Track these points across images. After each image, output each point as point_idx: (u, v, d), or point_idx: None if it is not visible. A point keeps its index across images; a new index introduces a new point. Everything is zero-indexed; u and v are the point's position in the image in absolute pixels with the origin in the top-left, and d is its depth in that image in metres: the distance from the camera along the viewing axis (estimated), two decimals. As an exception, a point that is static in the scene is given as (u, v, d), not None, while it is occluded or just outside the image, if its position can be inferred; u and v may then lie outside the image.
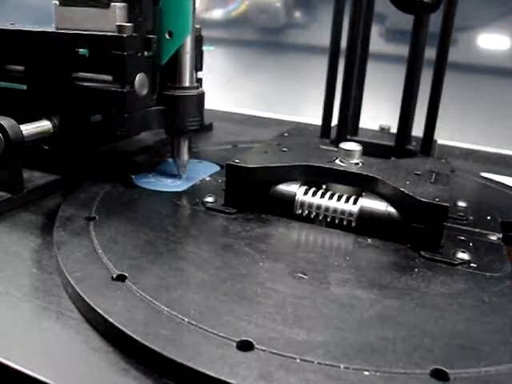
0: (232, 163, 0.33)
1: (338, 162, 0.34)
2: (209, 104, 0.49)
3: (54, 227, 0.30)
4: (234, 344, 0.21)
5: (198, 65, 0.42)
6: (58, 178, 0.37)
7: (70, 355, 0.21)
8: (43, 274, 0.27)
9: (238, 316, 0.22)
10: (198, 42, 0.42)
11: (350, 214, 0.32)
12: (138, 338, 0.21)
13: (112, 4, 0.34)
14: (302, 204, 0.33)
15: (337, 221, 0.32)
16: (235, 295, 0.24)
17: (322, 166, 0.33)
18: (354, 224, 0.32)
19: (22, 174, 0.34)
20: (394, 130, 0.45)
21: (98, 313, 0.22)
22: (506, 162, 0.55)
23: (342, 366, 0.20)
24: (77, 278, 0.25)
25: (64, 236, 0.29)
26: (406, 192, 0.30)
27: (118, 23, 0.33)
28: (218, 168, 0.42)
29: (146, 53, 0.35)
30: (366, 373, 0.19)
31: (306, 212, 0.33)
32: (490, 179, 0.44)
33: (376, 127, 0.50)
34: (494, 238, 0.32)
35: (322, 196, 0.33)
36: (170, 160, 0.43)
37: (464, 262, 0.28)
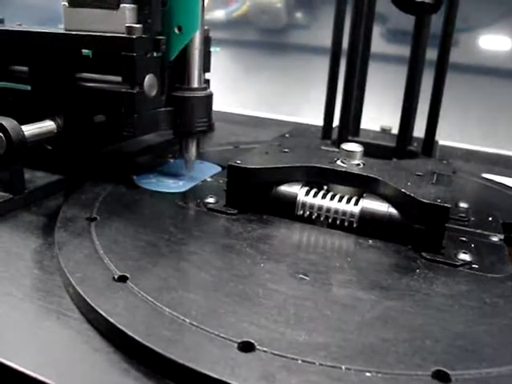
0: (233, 164, 0.33)
1: (339, 162, 0.34)
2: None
3: (56, 228, 0.30)
4: (236, 345, 0.21)
5: (205, 66, 0.42)
6: (59, 178, 0.37)
7: (70, 356, 0.21)
8: (44, 274, 0.27)
9: (240, 317, 0.22)
10: (206, 42, 0.43)
11: (352, 215, 0.32)
12: (139, 339, 0.21)
13: (121, 5, 0.35)
14: (304, 205, 0.33)
15: (338, 222, 0.32)
16: (237, 296, 0.24)
17: (323, 167, 0.33)
18: (355, 225, 0.31)
19: (24, 175, 0.34)
20: (395, 130, 0.45)
21: (100, 313, 0.22)
22: (507, 163, 0.55)
23: (343, 367, 0.20)
24: (78, 279, 0.25)
25: (65, 237, 0.29)
26: (408, 193, 0.30)
27: (127, 24, 0.34)
28: (219, 169, 0.42)
29: (155, 54, 0.35)
30: (368, 374, 0.19)
31: (308, 213, 0.32)
32: (491, 180, 0.44)
33: (377, 128, 0.50)
34: (495, 239, 0.32)
35: (324, 197, 0.32)
36: (172, 161, 0.43)
37: (466, 263, 0.28)
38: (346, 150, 0.34)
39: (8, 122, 0.32)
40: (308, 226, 0.32)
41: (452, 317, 0.23)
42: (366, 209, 0.31)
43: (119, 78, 0.35)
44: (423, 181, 0.32)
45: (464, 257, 0.29)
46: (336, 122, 0.45)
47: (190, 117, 0.37)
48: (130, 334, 0.21)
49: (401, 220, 0.30)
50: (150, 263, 0.26)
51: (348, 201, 0.32)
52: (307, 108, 0.70)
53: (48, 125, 0.36)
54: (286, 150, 0.37)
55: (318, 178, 0.34)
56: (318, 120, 0.47)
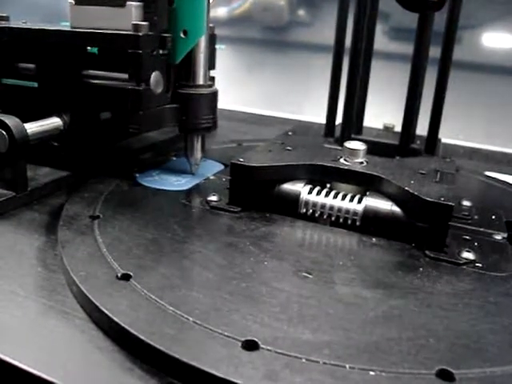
0: (236, 162, 0.33)
1: (342, 160, 0.34)
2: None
3: (59, 226, 0.30)
4: (239, 344, 0.21)
5: (210, 63, 0.42)
6: (63, 176, 0.37)
7: (74, 354, 0.21)
8: (48, 272, 0.27)
9: (243, 315, 0.22)
10: (212, 40, 0.43)
11: (355, 213, 0.32)
12: (142, 338, 0.21)
13: (128, 3, 0.35)
14: (307, 203, 0.32)
15: (341, 220, 0.32)
16: (240, 294, 0.24)
17: (326, 165, 0.33)
18: (358, 223, 0.31)
19: (27, 173, 0.34)
20: (398, 128, 0.45)
21: (103, 312, 0.22)
22: (510, 161, 0.55)
23: (347, 365, 0.20)
24: (81, 277, 0.25)
25: (68, 235, 0.29)
26: (411, 191, 0.30)
27: (133, 22, 0.34)
28: (222, 167, 0.42)
29: (161, 51, 0.35)
30: (372, 373, 0.19)
31: (311, 211, 0.32)
32: (494, 178, 0.44)
33: (380, 126, 0.50)
34: (499, 237, 0.32)
35: (327, 195, 0.32)
36: (175, 159, 0.43)
37: (469, 262, 0.28)
38: (349, 148, 0.34)
39: (11, 120, 0.32)
40: (311, 224, 0.32)
41: (456, 315, 0.23)
42: (369, 207, 0.31)
43: (125, 75, 0.35)
44: (426, 179, 0.32)
45: (467, 255, 0.29)
46: (339, 120, 0.45)
47: (195, 114, 0.37)
48: (133, 332, 0.21)
49: (404, 218, 0.30)
50: (154, 261, 0.27)
51: (351, 199, 0.32)
52: (310, 106, 0.70)
53: (54, 122, 0.37)
54: (289, 148, 0.37)
55: (321, 176, 0.34)
56: (321, 118, 0.47)
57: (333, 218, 0.32)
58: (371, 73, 0.46)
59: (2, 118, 0.32)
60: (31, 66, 0.39)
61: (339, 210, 0.32)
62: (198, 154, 0.39)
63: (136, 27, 0.33)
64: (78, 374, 0.20)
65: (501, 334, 0.22)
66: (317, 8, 0.81)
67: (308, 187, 0.33)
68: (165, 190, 0.36)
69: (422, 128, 0.44)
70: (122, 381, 0.20)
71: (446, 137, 0.48)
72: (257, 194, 0.33)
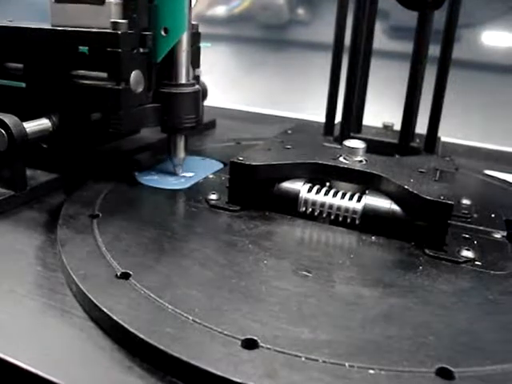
0: (236, 161, 0.33)
1: (341, 159, 0.34)
2: (211, 101, 0.49)
3: (58, 225, 0.30)
4: (239, 342, 0.21)
5: (195, 62, 0.42)
6: (59, 176, 0.37)
7: (74, 353, 0.21)
8: (47, 271, 0.27)
9: (243, 314, 0.22)
10: (195, 38, 0.42)
11: (354, 212, 0.32)
12: (142, 336, 0.21)
13: (107, 1, 0.34)
14: (306, 201, 0.32)
15: (341, 218, 0.32)
16: (240, 293, 0.24)
17: (325, 164, 0.33)
18: (357, 222, 0.31)
19: (26, 172, 0.34)
20: (397, 127, 0.45)
21: (103, 311, 0.22)
22: (509, 160, 0.55)
23: (347, 364, 0.20)
24: (81, 276, 0.25)
25: (68, 234, 0.29)
26: (411, 190, 0.30)
27: (112, 20, 0.33)
28: (221, 165, 0.42)
29: (141, 50, 0.35)
30: (371, 371, 0.19)
31: (310, 210, 0.32)
32: (493, 177, 0.44)
33: (379, 125, 0.50)
34: (498, 235, 0.32)
35: (326, 193, 0.32)
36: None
37: (468, 260, 0.28)
38: (349, 147, 0.34)
39: (9, 119, 0.32)
40: (310, 223, 0.32)
41: (455, 314, 0.23)
42: (368, 205, 0.31)
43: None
44: (426, 177, 0.32)
45: (467, 254, 0.29)
46: (338, 119, 0.45)
47: (177, 113, 0.37)
48: (133, 331, 0.21)
49: (404, 217, 0.30)
50: (153, 260, 0.26)
51: (350, 197, 0.32)
52: (309, 104, 0.70)
53: (44, 123, 0.36)
54: (289, 147, 0.37)
55: (321, 175, 0.34)
56: (320, 116, 0.47)
57: (332, 217, 0.32)
58: (370, 71, 0.46)
59: (0, 117, 0.32)
60: (18, 65, 0.38)
61: (338, 208, 0.32)
62: (182, 153, 0.39)
63: (115, 25, 0.33)
64: (77, 372, 0.20)
65: (500, 332, 0.22)
66: (316, 7, 0.81)
67: (307, 186, 0.33)
68: (164, 189, 0.36)
69: (421, 126, 0.44)
70: (121, 379, 0.20)
71: (445, 135, 0.48)
72: (256, 192, 0.33)
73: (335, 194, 0.32)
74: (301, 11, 0.83)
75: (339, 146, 0.37)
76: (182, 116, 0.37)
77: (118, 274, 0.25)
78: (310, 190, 0.33)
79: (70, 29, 0.35)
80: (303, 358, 0.20)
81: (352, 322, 0.22)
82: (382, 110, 0.54)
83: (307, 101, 0.70)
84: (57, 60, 0.36)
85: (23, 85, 0.37)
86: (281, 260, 0.27)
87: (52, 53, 0.36)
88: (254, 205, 0.33)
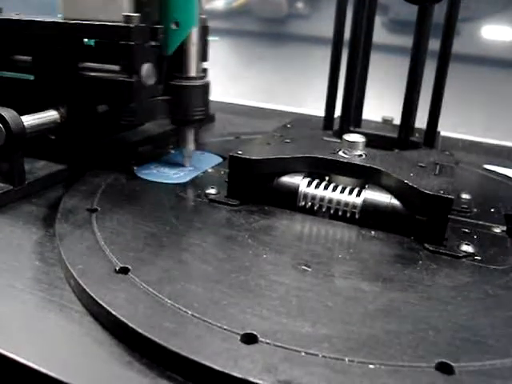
0: (235, 155, 0.33)
1: (341, 153, 0.34)
2: (211, 95, 0.49)
3: (56, 219, 0.30)
4: (239, 337, 0.20)
5: (203, 55, 0.42)
6: (60, 169, 0.37)
7: (73, 348, 0.21)
8: (46, 266, 0.27)
9: (242, 309, 0.22)
10: (204, 32, 0.42)
11: (354, 206, 0.31)
12: (141, 331, 0.20)
13: None
14: (306, 196, 0.32)
15: (340, 213, 0.32)
16: (239, 288, 0.24)
17: (325, 158, 0.33)
18: (357, 216, 0.31)
19: (24, 166, 0.34)
20: (397, 121, 0.45)
21: (101, 305, 0.22)
22: (509, 154, 0.54)
23: (346, 359, 0.20)
24: (79, 271, 0.25)
25: (66, 228, 0.29)
26: (410, 184, 0.30)
27: (124, 13, 0.33)
28: (220, 159, 0.42)
29: (152, 43, 0.35)
30: (371, 366, 0.19)
31: (310, 204, 0.32)
32: (493, 171, 0.44)
33: (379, 119, 0.50)
34: (498, 230, 0.32)
35: (326, 188, 0.32)
36: (173, 151, 0.43)
37: (468, 255, 0.28)
38: (348, 141, 0.34)
39: (7, 113, 0.32)
40: (310, 217, 0.32)
41: (455, 308, 0.23)
42: (368, 200, 0.31)
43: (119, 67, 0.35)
44: (426, 172, 0.32)
45: (467, 248, 0.29)
46: (338, 113, 0.45)
47: (187, 105, 0.37)
48: (131, 326, 0.21)
49: (403, 211, 0.30)
50: (152, 255, 0.26)
51: (350, 192, 0.32)
52: (309, 98, 0.70)
53: (51, 115, 0.36)
54: (288, 141, 0.36)
55: (320, 169, 0.33)
56: (320, 111, 0.47)
57: (331, 211, 0.32)
58: (370, 65, 0.45)
59: (-2, 111, 0.32)
60: (27, 58, 0.38)
61: (338, 202, 0.32)
62: (191, 145, 0.39)
63: (127, 19, 0.33)
64: (75, 367, 0.20)
65: (500, 326, 0.22)
66: (315, 0, 0.81)
67: (307, 180, 0.33)
68: (163, 183, 0.36)
69: (421, 121, 0.44)
70: (120, 374, 0.20)
71: (444, 130, 0.48)
72: (255, 186, 0.33)
73: (335, 189, 0.32)
74: (300, 5, 0.83)
75: (339, 141, 0.37)
76: (192, 108, 0.37)
77: (117, 268, 0.25)
78: (309, 185, 0.33)
79: (81, 22, 0.35)
80: (303, 353, 0.20)
81: (352, 316, 0.22)
82: (382, 104, 0.54)
83: (307, 95, 0.70)
84: (68, 53, 0.36)
85: (32, 77, 0.37)
86: (280, 254, 0.27)
87: (64, 46, 0.36)
88: (254, 199, 0.33)
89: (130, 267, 0.25)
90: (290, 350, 0.20)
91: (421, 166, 0.33)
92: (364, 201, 0.31)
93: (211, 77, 0.43)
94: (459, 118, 0.62)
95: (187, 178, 0.37)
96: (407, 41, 0.41)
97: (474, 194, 0.37)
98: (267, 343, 0.20)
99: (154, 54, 0.35)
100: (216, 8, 0.84)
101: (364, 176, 0.32)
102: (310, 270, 0.26)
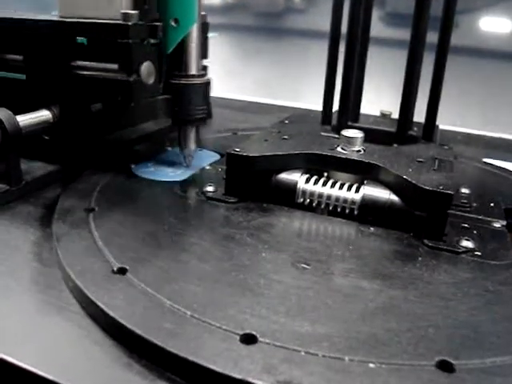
0: (232, 152, 0.32)
1: (339, 149, 0.34)
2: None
3: (53, 219, 0.30)
4: (238, 337, 0.20)
5: (203, 52, 0.41)
6: (57, 168, 0.37)
7: (71, 350, 0.21)
8: (43, 267, 0.26)
9: (241, 308, 0.22)
10: (204, 28, 0.42)
11: (353, 202, 0.31)
12: (139, 332, 0.20)
13: None
14: (304, 192, 0.32)
15: (339, 209, 0.32)
16: (238, 287, 0.24)
17: (323, 154, 0.33)
18: (356, 212, 0.31)
19: (20, 166, 0.34)
20: (395, 115, 0.45)
21: (99, 307, 0.22)
22: (508, 147, 0.54)
23: (346, 358, 0.20)
24: (77, 272, 0.24)
25: (63, 228, 0.28)
26: (409, 180, 0.29)
27: (122, 11, 0.33)
28: (217, 156, 0.41)
29: (152, 41, 0.35)
30: (371, 365, 0.19)
31: (308, 200, 0.32)
32: (492, 165, 0.44)
33: (377, 113, 0.50)
34: (497, 225, 0.32)
35: (324, 184, 0.32)
36: (170, 149, 0.42)
37: (468, 251, 0.28)
38: (347, 137, 0.34)
39: (2, 112, 0.32)
40: (308, 214, 0.32)
41: (455, 305, 0.23)
42: (366, 196, 0.31)
43: (116, 66, 0.34)
44: (425, 167, 0.32)
45: (466, 244, 0.29)
46: (336, 107, 0.45)
47: (188, 104, 0.37)
48: (130, 327, 0.21)
49: (402, 207, 0.30)
50: (150, 254, 0.26)
51: (349, 188, 0.32)
52: (307, 93, 0.70)
53: (44, 114, 0.36)
54: (286, 137, 0.36)
55: (318, 165, 0.33)
56: (318, 105, 0.47)
57: (330, 208, 0.32)
58: (368, 59, 0.45)
59: (-7, 111, 0.32)
60: (18, 57, 0.38)
61: (337, 199, 0.32)
62: (192, 145, 0.39)
63: (125, 16, 0.33)
64: (74, 369, 0.20)
65: (500, 323, 0.22)
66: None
67: (305, 177, 0.33)
68: (160, 181, 0.36)
69: (419, 115, 0.44)
70: (119, 376, 0.20)
71: (443, 123, 0.48)
72: (253, 184, 0.33)
73: (333, 185, 0.32)
74: (297, -2, 0.82)
75: (337, 136, 0.37)
76: (193, 107, 0.37)
77: (115, 269, 0.25)
78: (307, 181, 0.32)
79: (77, 20, 0.34)
80: (302, 353, 0.20)
81: (351, 314, 0.22)
82: (380, 97, 0.54)
83: (305, 89, 0.70)
84: (64, 52, 0.36)
85: (23, 77, 0.37)
86: (279, 253, 0.27)
87: (59, 45, 0.36)
88: (252, 196, 0.33)
89: (127, 267, 0.25)
90: (289, 350, 0.20)
91: (419, 161, 0.33)
92: (363, 197, 0.31)
93: (208, 72, 0.42)
94: (457, 110, 0.62)
95: (184, 176, 0.37)
96: (405, 34, 0.41)
97: (474, 189, 0.37)
98: (267, 343, 0.20)
99: (153, 52, 0.35)
100: (213, 2, 0.84)
101: (362, 172, 0.32)
102: (309, 267, 0.26)
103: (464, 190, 0.36)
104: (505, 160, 0.45)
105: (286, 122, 0.43)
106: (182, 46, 0.36)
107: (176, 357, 0.19)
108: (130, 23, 0.33)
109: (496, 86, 0.69)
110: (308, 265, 0.26)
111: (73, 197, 0.32)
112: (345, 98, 0.43)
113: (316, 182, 0.32)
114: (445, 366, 0.19)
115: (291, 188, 0.32)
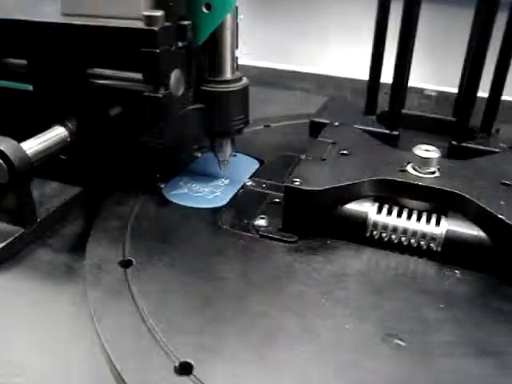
0: (291, 185, 0.27)
1: (410, 169, 0.29)
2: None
3: (86, 281, 0.25)
4: None
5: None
6: (75, 193, 0.32)
7: None
8: (89, 357, 0.22)
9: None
10: (235, 14, 0.35)
11: (432, 238, 0.27)
12: None
13: None
14: (375, 225, 0.27)
15: (415, 244, 0.27)
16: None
17: (398, 181, 0.28)
18: (438, 249, 0.27)
19: (33, 201, 0.28)
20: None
21: None
22: None
23: None
24: (131, 374, 0.20)
25: (100, 296, 0.24)
26: (506, 221, 0.25)
27: (145, 13, 0.26)
28: (256, 164, 0.36)
29: (180, 43, 0.28)
30: None
31: (379, 234, 0.28)
32: None
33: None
34: None
35: (399, 215, 0.27)
36: (200, 155, 0.37)
37: None
38: (421, 157, 0.28)
39: (7, 145, 0.26)
40: (382, 254, 0.27)
41: None
42: (451, 232, 0.26)
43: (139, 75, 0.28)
44: None
45: None
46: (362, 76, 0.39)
47: (225, 115, 0.31)
48: None
49: (493, 246, 0.26)
50: (215, 336, 0.22)
51: (427, 220, 0.27)
52: (326, 57, 0.63)
53: (58, 133, 0.30)
54: (345, 152, 0.31)
55: (391, 193, 0.28)
56: (341, 71, 0.40)
57: (405, 243, 0.27)
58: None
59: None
60: (23, 62, 0.31)
61: (413, 233, 0.27)
62: (228, 152, 0.33)
63: (150, 19, 0.26)
64: None
65: None
66: None
67: (376, 206, 0.28)
68: (200, 209, 0.30)
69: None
70: None
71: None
72: (315, 217, 0.28)
73: (409, 216, 0.27)
74: None
75: (401, 151, 0.31)
76: (231, 118, 0.31)
77: (176, 364, 0.20)
78: (379, 211, 0.28)
79: (93, 24, 0.28)
80: None
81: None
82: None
83: (324, 52, 0.63)
84: (79, 58, 0.29)
85: (30, 87, 0.31)
86: (362, 322, 0.23)
87: (69, 51, 0.29)
88: (313, 231, 0.28)
89: (192, 362, 0.20)
90: None
91: (505, 184, 0.28)
92: (447, 233, 0.26)
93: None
94: None
95: (225, 198, 0.31)
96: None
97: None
98: None
99: (182, 58, 0.28)
100: None
101: (443, 202, 0.27)
102: (403, 344, 0.22)
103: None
104: None
105: (325, 114, 0.37)
106: (214, 40, 0.30)
107: None
108: (156, 28, 0.26)
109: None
110: (402, 340, 0.22)
111: (102, 241, 0.27)
112: (398, 85, 0.37)
113: (389, 213, 0.28)
114: None
115: (360, 221, 0.28)
